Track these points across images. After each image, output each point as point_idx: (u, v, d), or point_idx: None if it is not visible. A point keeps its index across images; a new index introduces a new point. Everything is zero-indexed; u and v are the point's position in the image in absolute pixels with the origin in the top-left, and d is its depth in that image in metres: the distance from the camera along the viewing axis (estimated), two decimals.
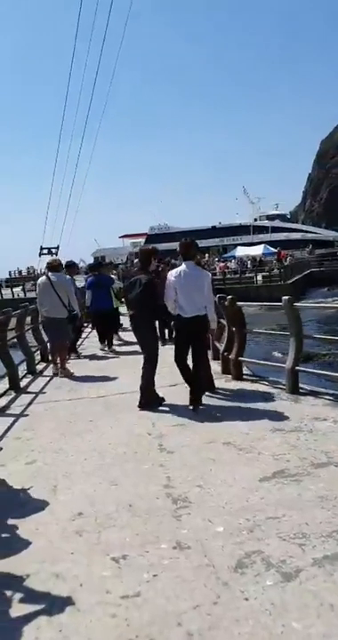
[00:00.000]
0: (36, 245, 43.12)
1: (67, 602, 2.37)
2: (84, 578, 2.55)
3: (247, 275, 33.97)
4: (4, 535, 3.05)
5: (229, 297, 6.46)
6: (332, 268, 42.04)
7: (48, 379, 7.53)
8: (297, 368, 5.61)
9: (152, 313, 5.62)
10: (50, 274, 7.81)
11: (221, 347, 7.23)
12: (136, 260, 14.77)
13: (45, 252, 42.45)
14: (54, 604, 2.36)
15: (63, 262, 8.89)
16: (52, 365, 8.19)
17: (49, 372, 8.14)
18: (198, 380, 5.55)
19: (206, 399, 5.69)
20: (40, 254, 43.14)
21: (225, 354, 6.76)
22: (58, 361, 7.86)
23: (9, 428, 5.13)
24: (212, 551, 2.70)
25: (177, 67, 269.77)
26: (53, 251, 42.03)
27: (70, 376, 7.61)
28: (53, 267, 7.95)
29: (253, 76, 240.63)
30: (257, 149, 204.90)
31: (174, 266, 6.83)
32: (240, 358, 6.46)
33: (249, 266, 38.58)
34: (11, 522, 3.18)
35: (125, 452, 4.26)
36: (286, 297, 5.53)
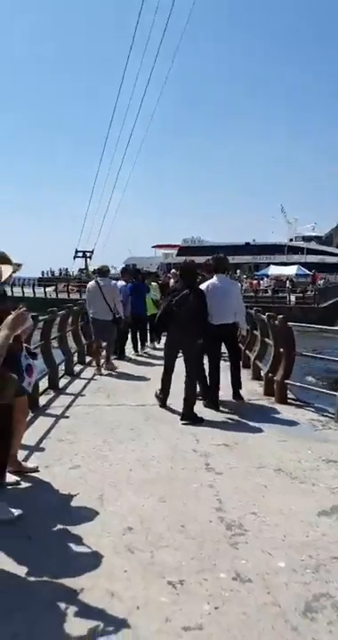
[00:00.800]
0: (72, 248, 43.71)
1: (124, 624, 2.23)
2: (141, 600, 2.41)
3: (280, 295, 33.51)
4: (54, 543, 2.93)
5: (280, 316, 6.28)
6: None
7: (86, 381, 7.46)
8: None
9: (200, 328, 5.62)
10: (99, 278, 8.34)
11: (255, 357, 7.15)
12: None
13: (80, 255, 43.09)
14: (112, 625, 2.22)
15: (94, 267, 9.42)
16: (93, 364, 8.56)
17: (86, 374, 8.09)
18: (238, 373, 6.29)
19: (250, 421, 5.53)
20: (75, 257, 43.87)
21: (270, 375, 6.57)
22: (101, 362, 8.37)
23: (50, 429, 5.05)
24: (275, 588, 2.53)
25: (221, 83, 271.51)
26: (88, 254, 42.62)
27: (114, 370, 8.29)
28: (102, 272, 8.66)
29: (298, 95, 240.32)
30: (296, 168, 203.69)
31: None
32: (286, 381, 6.26)
33: (288, 285, 37.76)
34: (59, 527, 3.08)
35: (172, 468, 4.12)
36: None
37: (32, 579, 2.57)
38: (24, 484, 3.70)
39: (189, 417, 5.46)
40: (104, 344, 8.78)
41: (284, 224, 71.44)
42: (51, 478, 3.83)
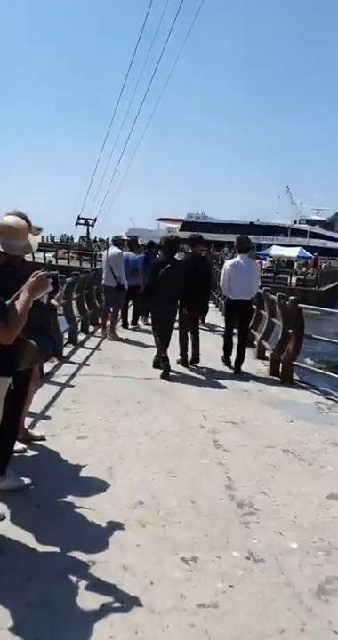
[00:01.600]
0: (75, 215, 43.10)
1: (139, 600, 2.21)
2: (155, 576, 2.39)
3: (280, 276, 33.33)
4: (64, 513, 2.90)
5: (292, 297, 6.19)
6: None
7: (90, 351, 7.40)
8: None
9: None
10: (110, 248, 8.89)
11: (261, 336, 7.43)
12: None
13: (82, 222, 42.53)
14: (126, 601, 2.20)
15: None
16: (97, 333, 8.95)
17: (90, 343, 8.03)
18: (243, 351, 6.79)
19: (256, 400, 5.51)
20: (77, 224, 43.31)
21: (276, 355, 6.52)
22: (106, 324, 8.81)
23: (56, 397, 5.00)
24: (289, 569, 2.51)
25: (236, 59, 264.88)
26: (90, 222, 42.11)
27: (118, 339, 8.46)
28: (115, 241, 9.12)
29: (309, 77, 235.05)
30: (305, 150, 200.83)
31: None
32: (294, 362, 6.21)
33: (295, 268, 37.18)
34: (69, 499, 3.04)
35: (180, 443, 4.09)
36: None
37: (43, 549, 2.54)
38: (31, 452, 3.66)
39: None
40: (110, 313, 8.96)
41: (289, 205, 70.60)
42: (58, 447, 3.79)
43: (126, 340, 8.51)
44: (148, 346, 7.90)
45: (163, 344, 6.33)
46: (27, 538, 2.60)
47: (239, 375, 6.55)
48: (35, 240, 2.83)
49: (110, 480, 3.35)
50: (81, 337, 8.36)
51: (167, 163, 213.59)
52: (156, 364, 6.43)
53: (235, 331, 6.94)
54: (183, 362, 6.79)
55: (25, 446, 3.68)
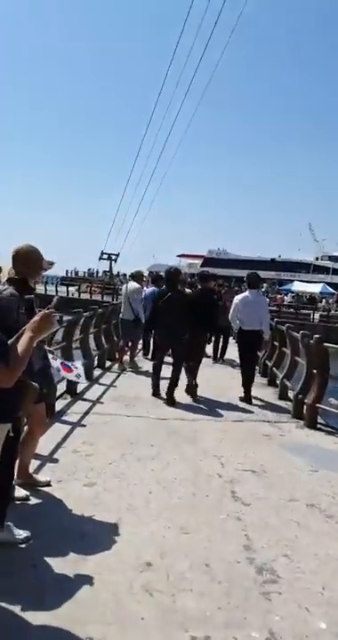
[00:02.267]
0: (99, 250, 43.72)
1: None
2: None
3: (303, 312, 32.86)
4: (64, 572, 2.61)
5: (316, 336, 5.89)
6: None
7: (105, 387, 7.17)
8: None
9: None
10: (129, 282, 9.27)
11: (283, 375, 7.20)
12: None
13: (105, 257, 43.07)
14: None
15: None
16: (113, 368, 8.80)
17: (106, 379, 7.80)
18: (252, 376, 7.32)
19: (278, 446, 5.16)
20: (100, 258, 43.88)
21: (300, 396, 6.17)
22: (123, 359, 8.97)
23: (66, 437, 4.76)
24: None
25: (255, 100, 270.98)
26: (113, 257, 42.61)
27: (137, 368, 8.81)
28: (134, 276, 9.38)
29: (328, 115, 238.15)
30: (329, 186, 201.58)
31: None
32: (318, 405, 5.85)
33: (323, 303, 36.62)
34: (70, 558, 2.76)
35: (195, 494, 3.77)
36: None
37: (33, 620, 2.25)
38: (34, 500, 3.41)
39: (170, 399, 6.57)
40: (130, 344, 9.31)
41: (311, 242, 70.43)
42: (63, 495, 3.53)
43: (145, 373, 8.32)
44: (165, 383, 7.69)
45: (158, 369, 6.95)
46: (15, 605, 2.32)
47: (258, 413, 6.27)
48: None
49: (117, 535, 3.06)
50: (97, 372, 8.15)
51: (189, 199, 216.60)
52: (169, 401, 6.62)
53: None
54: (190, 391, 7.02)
55: (28, 493, 3.44)
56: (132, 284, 9.02)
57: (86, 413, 5.72)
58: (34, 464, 3.83)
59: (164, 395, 6.77)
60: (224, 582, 2.66)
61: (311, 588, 2.67)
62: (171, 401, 6.52)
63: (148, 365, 8.96)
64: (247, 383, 7.13)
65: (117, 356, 9.13)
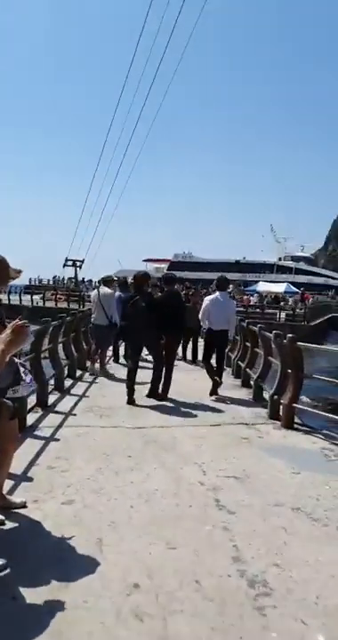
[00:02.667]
0: (63, 256, 42.95)
1: None
2: None
3: (270, 311, 33.32)
4: (46, 602, 2.43)
5: (290, 336, 5.87)
6: None
7: (77, 398, 6.95)
8: None
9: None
10: (100, 287, 9.21)
11: (257, 376, 7.26)
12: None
13: (70, 263, 42.41)
14: None
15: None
16: (84, 378, 8.63)
17: (77, 389, 7.58)
18: (220, 375, 7.64)
19: (257, 448, 5.09)
20: (64, 265, 43.13)
21: (275, 397, 6.14)
22: (96, 366, 9.04)
23: (39, 454, 4.54)
24: None
25: (216, 99, 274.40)
26: (78, 263, 42.01)
27: (109, 376, 8.79)
28: (105, 281, 9.37)
29: (290, 115, 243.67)
30: (288, 189, 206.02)
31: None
32: (295, 405, 5.83)
33: (291, 302, 37.31)
34: (53, 586, 2.57)
35: (178, 505, 3.64)
36: None
37: None
38: (9, 524, 3.19)
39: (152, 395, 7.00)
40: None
41: (273, 243, 71.80)
42: (41, 516, 3.33)
43: (117, 380, 8.28)
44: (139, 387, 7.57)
45: (132, 375, 6.91)
46: None
47: (235, 416, 6.27)
48: None
49: (100, 556, 2.90)
50: (68, 382, 7.92)
51: (154, 205, 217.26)
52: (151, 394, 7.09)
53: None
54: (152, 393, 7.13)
55: (3, 517, 3.23)
56: (105, 289, 9.07)
57: (59, 427, 5.50)
58: (7, 484, 3.60)
59: (139, 402, 6.78)
60: (216, 599, 2.54)
61: (306, 598, 2.59)
62: (157, 395, 7.00)
63: (118, 372, 9.04)
64: (217, 375, 7.55)
65: (92, 359, 9.32)
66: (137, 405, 6.67)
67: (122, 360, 10.24)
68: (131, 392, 6.81)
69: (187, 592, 2.59)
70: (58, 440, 5.02)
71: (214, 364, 7.64)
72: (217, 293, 7.66)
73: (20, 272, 3.36)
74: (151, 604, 2.47)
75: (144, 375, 7.28)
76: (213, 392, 7.46)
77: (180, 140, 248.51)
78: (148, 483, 4.03)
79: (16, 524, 3.20)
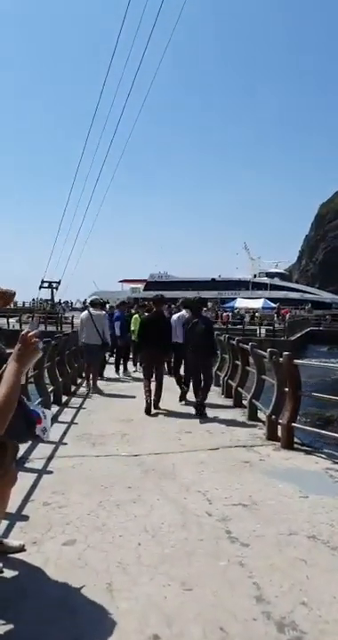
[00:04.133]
0: (39, 279, 42.44)
1: None
2: None
3: (250, 327, 33.49)
4: None
5: (286, 353, 5.74)
6: (330, 327, 42.54)
7: (66, 425, 6.65)
8: None
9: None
10: (91, 309, 9.93)
11: (251, 395, 7.21)
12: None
13: (46, 285, 41.95)
14: None
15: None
16: (70, 403, 8.48)
17: (65, 416, 7.27)
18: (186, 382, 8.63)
19: (260, 472, 4.90)
20: (40, 287, 42.65)
21: (273, 417, 5.98)
22: (91, 379, 9.66)
23: (33, 488, 4.24)
24: None
25: (186, 122, 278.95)
26: (54, 285, 41.58)
27: (101, 393, 9.37)
28: (94, 303, 10.29)
29: (261, 138, 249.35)
30: (259, 206, 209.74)
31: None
32: (294, 424, 5.68)
33: (247, 319, 37.87)
34: None
35: (187, 539, 3.41)
36: None
37: None
38: (8, 572, 2.91)
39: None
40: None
41: (248, 261, 72.75)
42: (41, 561, 3.05)
43: (104, 404, 8.25)
44: (129, 411, 7.38)
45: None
46: None
47: (232, 438, 6.11)
48: None
49: (112, 603, 2.64)
50: (54, 409, 7.60)
51: (129, 226, 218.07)
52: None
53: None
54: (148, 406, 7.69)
55: (0, 564, 2.94)
56: (98, 311, 9.84)
57: (50, 458, 5.20)
58: (3, 525, 3.31)
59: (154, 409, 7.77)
60: None
61: None
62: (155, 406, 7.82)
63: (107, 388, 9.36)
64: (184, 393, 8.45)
65: (86, 378, 10.01)
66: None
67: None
68: (148, 405, 7.66)
69: None
70: (51, 472, 4.73)
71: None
72: (183, 311, 8.92)
73: (13, 294, 3.14)
74: None
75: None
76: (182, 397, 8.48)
77: (153, 163, 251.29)
78: (153, 516, 3.78)
79: (15, 573, 2.92)
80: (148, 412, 7.55)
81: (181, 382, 8.69)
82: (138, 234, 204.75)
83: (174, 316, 9.13)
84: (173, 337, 8.35)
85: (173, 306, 17.75)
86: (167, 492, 4.30)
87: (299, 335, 33.54)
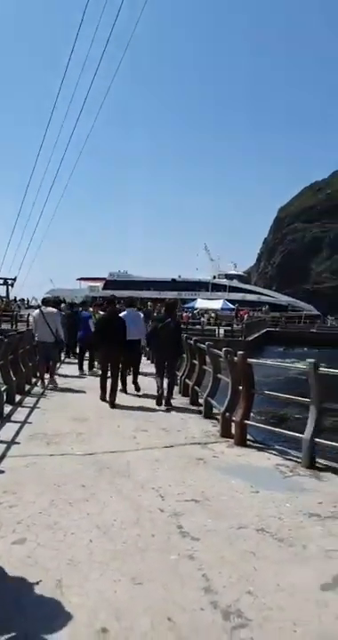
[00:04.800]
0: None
1: None
2: None
3: (208, 327, 33.91)
4: None
5: (240, 352, 5.88)
6: (286, 329, 43.85)
7: (18, 425, 6.54)
8: (317, 440, 5.03)
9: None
10: (43, 307, 9.96)
11: (207, 394, 7.43)
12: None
13: (1, 281, 40.89)
14: None
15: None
16: (24, 402, 8.27)
17: (18, 415, 7.15)
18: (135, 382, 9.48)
19: (213, 469, 5.01)
20: None
21: (227, 415, 6.11)
22: (45, 378, 9.78)
23: None
24: None
25: (144, 120, 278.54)
26: (9, 282, 40.61)
27: (56, 386, 9.65)
28: (45, 301, 10.36)
29: (222, 138, 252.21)
30: (220, 208, 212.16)
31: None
32: (247, 421, 5.82)
33: (204, 320, 38.23)
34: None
35: (140, 535, 3.45)
36: (311, 361, 5.01)
37: None
38: None
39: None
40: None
41: (208, 261, 73.49)
42: None
43: (59, 402, 8.30)
44: (85, 410, 7.34)
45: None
46: None
47: (187, 436, 6.18)
48: None
49: (62, 599, 2.65)
50: (7, 408, 7.45)
51: (86, 223, 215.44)
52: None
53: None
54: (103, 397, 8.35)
55: None
56: (50, 309, 9.85)
57: (2, 457, 5.12)
58: None
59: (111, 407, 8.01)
60: (192, 637, 2.38)
61: (283, 626, 2.49)
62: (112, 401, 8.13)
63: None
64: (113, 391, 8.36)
65: (39, 376, 9.97)
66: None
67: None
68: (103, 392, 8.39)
69: (160, 632, 2.41)
70: (2, 472, 4.66)
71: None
72: (125, 311, 9.46)
73: None
74: None
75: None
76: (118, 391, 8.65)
77: (111, 159, 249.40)
78: (106, 513, 3.80)
79: None
80: (102, 398, 8.27)
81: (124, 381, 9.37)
82: (98, 232, 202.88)
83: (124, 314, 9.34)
84: (128, 334, 8.56)
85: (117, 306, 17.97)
86: (121, 489, 4.32)
87: (256, 335, 34.32)
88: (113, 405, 8.00)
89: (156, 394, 8.19)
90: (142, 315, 10.51)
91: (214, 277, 68.65)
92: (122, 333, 8.35)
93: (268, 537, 3.50)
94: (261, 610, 2.62)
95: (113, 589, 2.76)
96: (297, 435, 5.30)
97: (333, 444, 4.96)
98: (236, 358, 5.94)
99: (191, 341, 8.97)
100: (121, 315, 9.08)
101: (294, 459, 5.33)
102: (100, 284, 66.38)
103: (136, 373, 9.64)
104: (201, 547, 3.31)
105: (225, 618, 2.54)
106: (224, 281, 66.40)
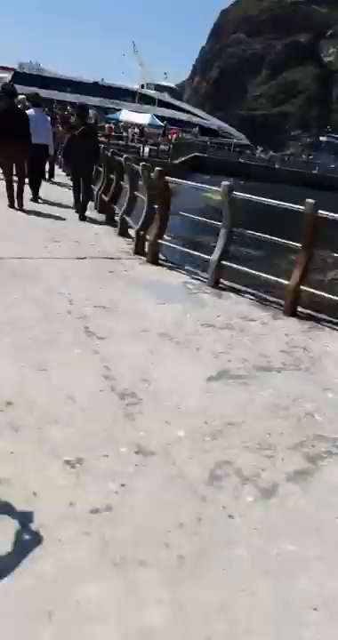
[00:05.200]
0: None
1: (23, 516, 1.94)
2: (37, 486, 2.11)
3: (133, 144, 32.09)
4: None
5: (158, 169, 5.75)
6: (216, 156, 42.22)
7: None
8: (223, 262, 5.37)
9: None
10: None
11: (122, 211, 7.41)
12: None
13: None
14: (7, 518, 1.91)
15: None
16: None
17: None
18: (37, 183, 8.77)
19: (123, 281, 5.24)
20: None
21: (141, 233, 6.21)
22: None
23: None
24: (179, 460, 2.46)
25: None
26: None
27: None
28: None
29: None
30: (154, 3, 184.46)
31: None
32: (160, 241, 5.98)
33: (128, 134, 35.73)
34: None
35: (46, 332, 3.67)
36: (226, 184, 5.07)
37: None
38: None
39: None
40: None
41: (136, 66, 66.18)
42: None
43: None
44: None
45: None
46: None
47: (100, 250, 6.31)
48: None
49: None
50: None
51: None
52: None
53: None
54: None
55: None
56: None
57: None
58: None
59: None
60: (89, 410, 2.75)
61: (169, 405, 2.94)
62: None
63: None
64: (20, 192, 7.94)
65: None
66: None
67: None
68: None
69: (61, 406, 2.74)
70: None
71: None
72: (32, 109, 8.41)
73: None
74: (26, 417, 2.58)
75: None
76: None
77: None
78: (13, 311, 3.93)
79: None
80: (11, 206, 7.77)
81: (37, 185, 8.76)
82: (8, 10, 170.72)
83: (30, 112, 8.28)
84: (35, 137, 7.83)
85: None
86: (29, 292, 4.40)
87: (183, 159, 33.18)
88: (20, 207, 7.81)
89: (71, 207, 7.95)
90: (49, 118, 9.63)
91: (143, 87, 62.94)
92: (26, 130, 7.48)
93: (167, 340, 3.90)
94: (152, 394, 3.04)
95: (17, 373, 3.01)
96: (206, 256, 5.60)
97: (239, 267, 5.32)
98: (152, 174, 5.82)
99: (108, 153, 8.52)
100: (30, 113, 8.07)
101: (201, 278, 5.69)
102: (7, 75, 56.38)
103: (38, 183, 8.88)
104: (104, 344, 3.62)
105: (121, 397, 2.94)
106: (153, 92, 61.28)
